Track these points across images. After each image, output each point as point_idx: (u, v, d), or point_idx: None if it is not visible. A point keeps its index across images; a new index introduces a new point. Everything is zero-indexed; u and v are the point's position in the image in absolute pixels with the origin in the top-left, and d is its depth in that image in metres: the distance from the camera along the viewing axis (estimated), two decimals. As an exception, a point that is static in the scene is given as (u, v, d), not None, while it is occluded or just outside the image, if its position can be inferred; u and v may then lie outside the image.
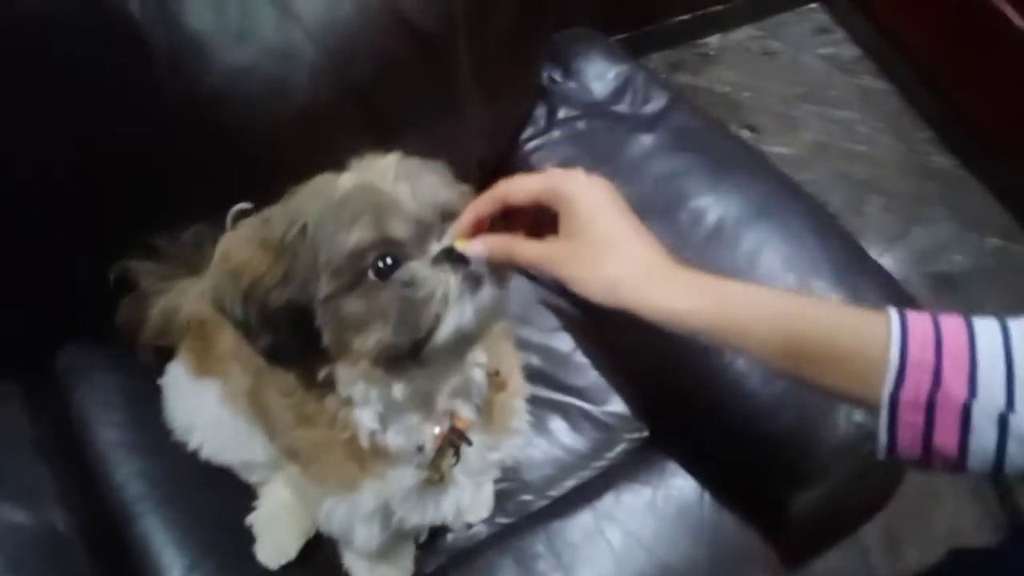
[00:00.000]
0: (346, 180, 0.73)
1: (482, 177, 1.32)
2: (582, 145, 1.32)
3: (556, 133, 1.34)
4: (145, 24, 0.91)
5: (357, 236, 0.68)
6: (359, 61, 1.04)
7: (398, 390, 0.77)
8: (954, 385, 0.60)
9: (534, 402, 1.19)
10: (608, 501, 1.14)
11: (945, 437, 0.60)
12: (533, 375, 1.23)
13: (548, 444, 1.20)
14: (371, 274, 0.70)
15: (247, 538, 1.04)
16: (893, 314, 0.64)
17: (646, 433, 1.24)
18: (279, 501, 1.05)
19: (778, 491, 1.20)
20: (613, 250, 0.69)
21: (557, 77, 1.39)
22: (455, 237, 0.71)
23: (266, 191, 0.91)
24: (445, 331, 0.70)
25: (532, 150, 1.34)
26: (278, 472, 1.04)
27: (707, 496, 1.17)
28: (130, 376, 1.12)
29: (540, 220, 0.73)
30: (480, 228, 0.72)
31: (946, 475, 0.67)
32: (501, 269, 0.73)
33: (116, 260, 1.02)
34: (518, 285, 1.32)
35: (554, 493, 1.16)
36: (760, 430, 1.13)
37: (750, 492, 1.18)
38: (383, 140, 1.12)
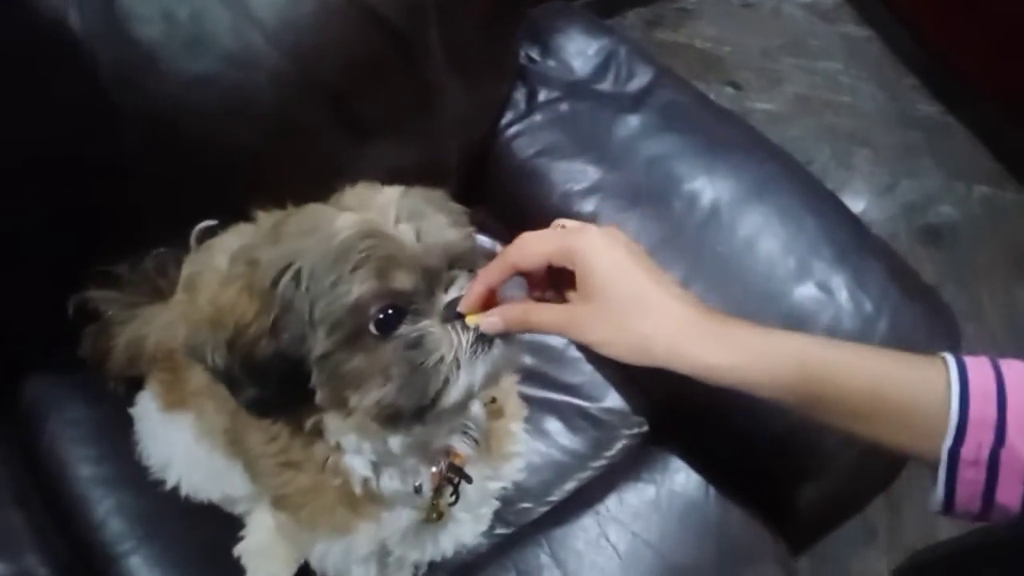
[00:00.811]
0: (344, 221, 0.65)
1: (463, 166, 1.28)
2: (566, 129, 1.25)
3: (538, 117, 1.27)
4: (87, 38, 0.83)
5: (360, 289, 0.62)
6: (326, 61, 0.96)
7: (395, 443, 0.72)
8: (1018, 443, 0.57)
9: (529, 403, 1.15)
10: (611, 503, 1.10)
11: (1009, 495, 0.57)
12: (526, 375, 1.18)
13: (545, 447, 1.16)
14: (373, 328, 0.64)
15: (237, 570, 1.00)
16: (951, 363, 0.60)
17: (646, 428, 1.20)
18: (267, 530, 1.00)
19: (784, 483, 1.17)
20: (639, 308, 0.64)
21: (535, 56, 1.31)
22: (467, 312, 0.66)
23: (234, 208, 0.85)
24: (454, 394, 0.65)
25: (513, 136, 1.26)
26: (264, 501, 0.98)
27: (712, 491, 1.13)
28: (101, 405, 1.06)
29: (556, 275, 0.69)
30: (490, 299, 0.68)
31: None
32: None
33: (75, 289, 0.94)
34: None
35: (554, 498, 1.12)
36: (764, 423, 1.09)
37: (755, 484, 1.15)
38: (358, 142, 1.06)
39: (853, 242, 1.16)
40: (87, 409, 1.08)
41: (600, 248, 0.65)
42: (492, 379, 0.68)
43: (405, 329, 0.64)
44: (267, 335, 0.65)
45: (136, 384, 1.02)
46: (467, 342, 0.65)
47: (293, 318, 0.65)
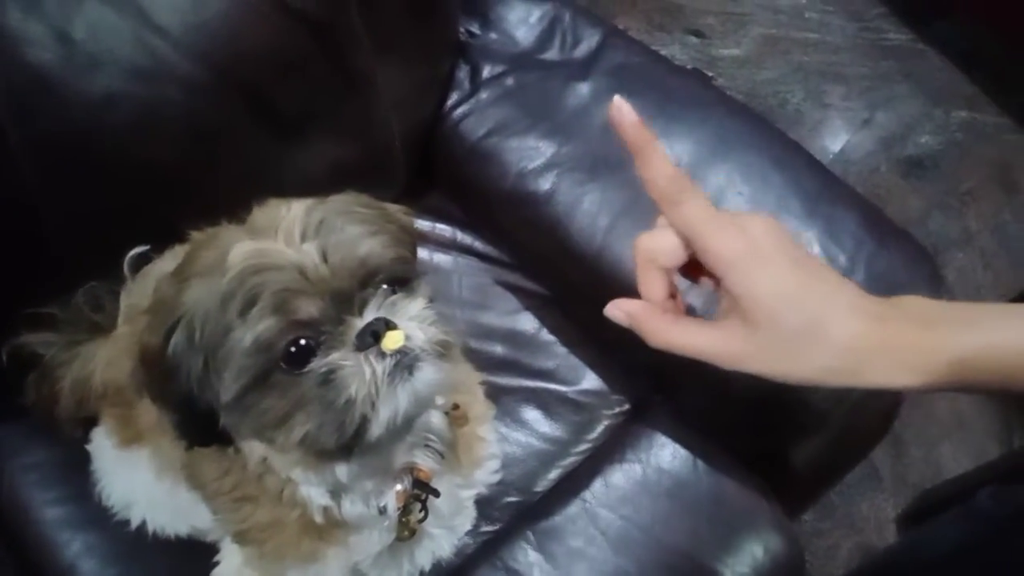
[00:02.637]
0: (235, 256, 0.60)
1: (411, 154, 1.22)
2: (514, 104, 1.20)
3: (484, 95, 1.21)
4: (-28, 70, 0.77)
5: (256, 330, 0.58)
6: (241, 63, 0.90)
7: (342, 473, 0.67)
8: None
9: (503, 393, 1.12)
10: (597, 488, 1.07)
11: None
12: (498, 365, 1.15)
13: (525, 436, 1.12)
14: (282, 364, 0.59)
15: (215, 599, 0.96)
16: None
17: (627, 406, 1.16)
18: (245, 557, 0.97)
19: (776, 445, 1.14)
20: (814, 340, 0.60)
21: (475, 30, 1.25)
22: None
23: (166, 229, 0.80)
24: (377, 427, 0.60)
25: (460, 118, 1.21)
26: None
27: (701, 463, 1.10)
28: (57, 444, 1.02)
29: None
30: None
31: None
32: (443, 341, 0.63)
33: (5, 337, 0.89)
34: (469, 267, 1.22)
35: (539, 489, 1.09)
36: (747, 386, 1.04)
37: (747, 450, 1.12)
38: (287, 142, 1.01)
39: (822, 193, 1.11)
40: (46, 451, 1.04)
41: (755, 258, 0.60)
42: (421, 405, 0.63)
43: (316, 363, 0.59)
44: (172, 381, 0.61)
45: (91, 423, 0.98)
46: (383, 372, 0.59)
47: (191, 375, 0.61)
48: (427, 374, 0.62)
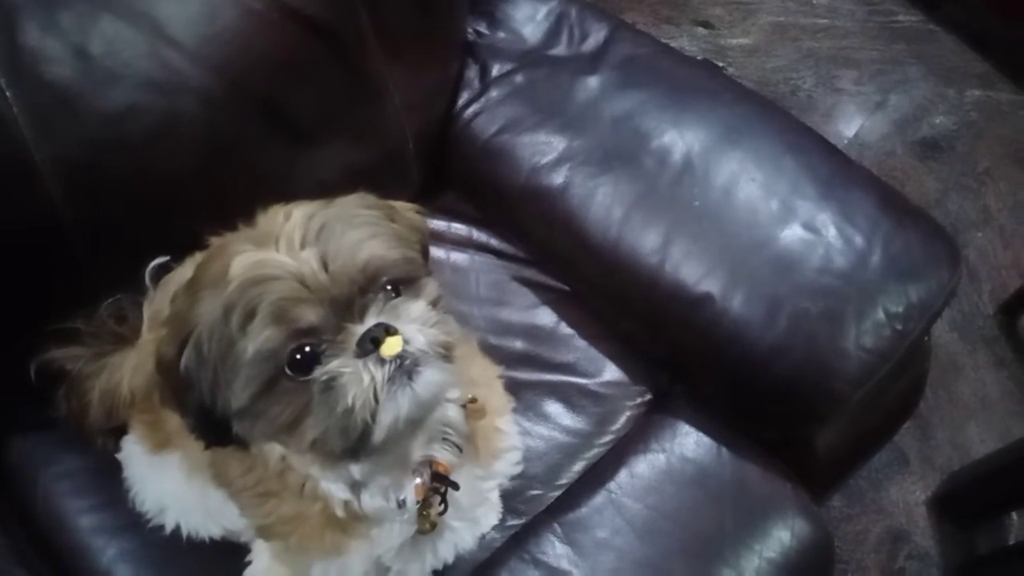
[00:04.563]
0: (236, 268, 0.61)
1: (424, 154, 1.23)
2: (524, 101, 1.21)
3: (494, 93, 1.22)
4: (-3, 90, 0.79)
5: (257, 341, 0.59)
6: (254, 71, 0.92)
7: (356, 471, 0.68)
8: None
9: (524, 388, 1.12)
10: (622, 478, 1.08)
11: None
12: (519, 360, 1.15)
13: (548, 430, 1.12)
14: (288, 371, 0.60)
15: (248, 599, 0.98)
16: None
17: (649, 396, 1.16)
18: (273, 551, 0.98)
19: (799, 431, 1.13)
20: None
21: (483, 30, 1.26)
22: None
23: (185, 238, 0.81)
24: (380, 432, 0.61)
25: (472, 116, 1.22)
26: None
27: (725, 451, 1.10)
28: (89, 452, 1.04)
29: None
30: None
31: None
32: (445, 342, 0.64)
33: (33, 353, 0.91)
34: (486, 264, 1.23)
35: (563, 482, 1.10)
36: (769, 375, 1.06)
37: (770, 435, 1.12)
38: (300, 147, 1.02)
39: (836, 176, 1.12)
40: (78, 459, 1.05)
41: None
42: (424, 408, 0.64)
43: (318, 371, 0.60)
44: (188, 389, 0.63)
45: (121, 432, 1.00)
46: (383, 378, 0.60)
47: (203, 385, 0.62)
48: (428, 378, 0.62)
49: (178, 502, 0.94)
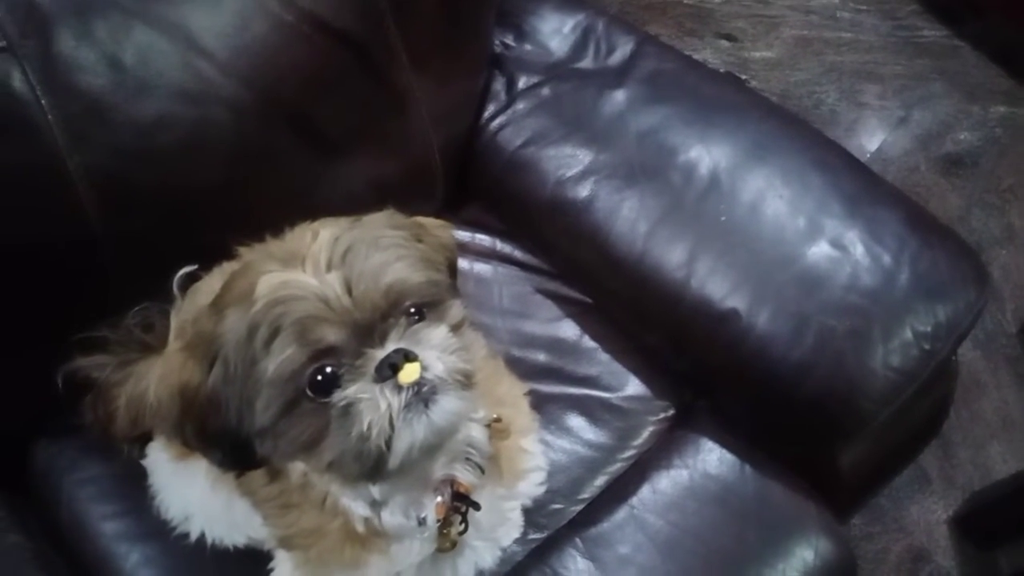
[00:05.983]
0: (262, 288, 0.61)
1: (450, 166, 1.24)
2: (551, 114, 1.21)
3: (520, 105, 1.22)
4: (31, 100, 0.79)
5: (278, 361, 0.59)
6: (285, 82, 0.92)
7: (376, 491, 0.69)
8: None
9: (547, 401, 1.12)
10: (644, 494, 1.07)
11: None
12: (541, 372, 1.15)
13: (570, 443, 1.12)
14: (309, 392, 0.60)
15: (271, 607, 0.98)
16: None
17: (672, 411, 1.16)
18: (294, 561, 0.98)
19: (823, 450, 1.13)
20: None
21: (510, 42, 1.26)
22: None
23: (213, 248, 0.82)
24: (395, 458, 0.61)
25: (498, 128, 1.22)
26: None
27: (748, 468, 1.10)
28: (112, 459, 1.04)
29: None
30: None
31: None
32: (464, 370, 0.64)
33: (60, 361, 0.92)
34: (510, 276, 1.23)
35: (585, 496, 1.09)
36: (794, 392, 1.05)
37: (794, 454, 1.11)
38: (328, 159, 1.03)
39: (864, 193, 1.11)
40: (102, 466, 1.06)
41: None
42: (440, 435, 0.64)
43: (337, 395, 0.60)
44: (212, 413, 0.64)
45: (147, 441, 1.00)
46: (399, 404, 0.60)
47: (231, 403, 0.62)
48: (444, 405, 0.62)
49: (203, 510, 0.95)
